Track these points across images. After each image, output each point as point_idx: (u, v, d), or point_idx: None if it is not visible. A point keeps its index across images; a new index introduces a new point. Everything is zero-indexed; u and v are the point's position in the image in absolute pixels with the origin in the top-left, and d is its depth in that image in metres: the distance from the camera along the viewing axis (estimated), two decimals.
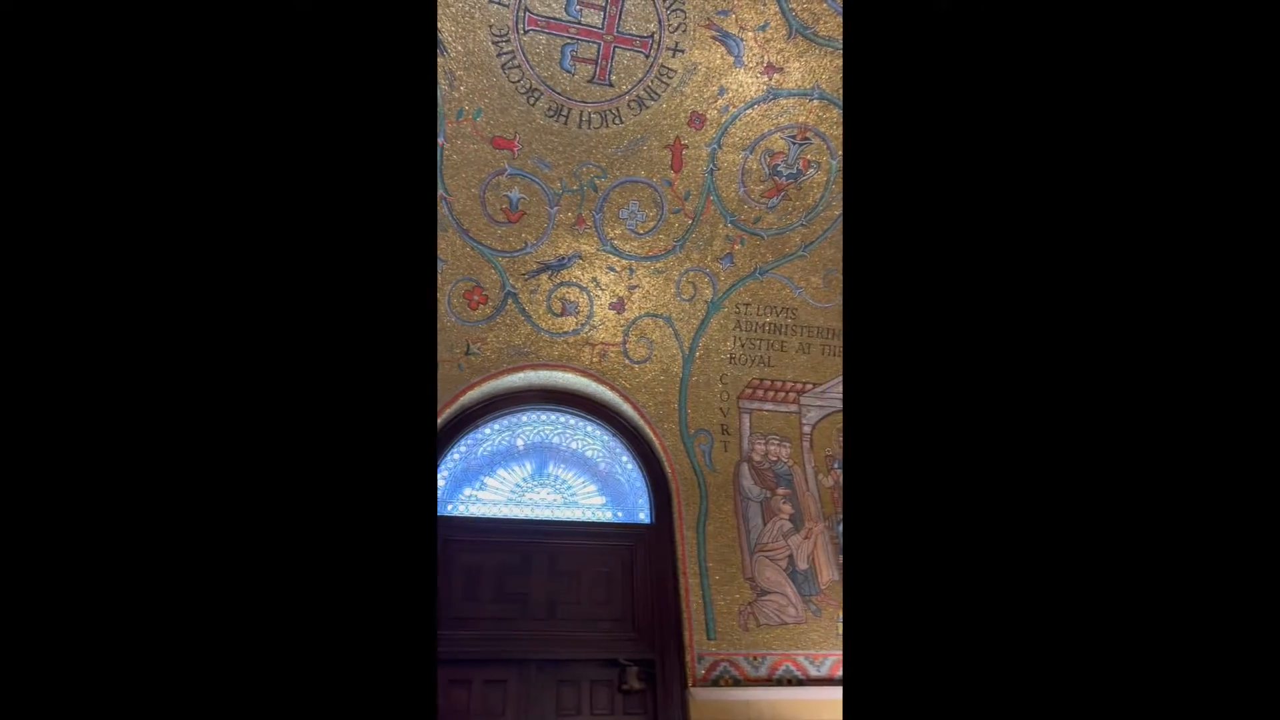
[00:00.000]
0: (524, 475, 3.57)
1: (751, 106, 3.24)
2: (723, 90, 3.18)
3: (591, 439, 3.74)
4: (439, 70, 2.95)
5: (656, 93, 3.16)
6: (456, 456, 3.53)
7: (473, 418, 3.56)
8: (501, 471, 3.56)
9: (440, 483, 3.44)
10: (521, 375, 3.56)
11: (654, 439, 3.61)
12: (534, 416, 3.72)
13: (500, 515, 3.40)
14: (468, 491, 3.46)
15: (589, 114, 3.18)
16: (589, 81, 3.09)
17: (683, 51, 3.04)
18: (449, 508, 3.41)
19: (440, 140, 3.12)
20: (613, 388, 3.62)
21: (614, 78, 3.09)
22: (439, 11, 2.80)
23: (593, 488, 3.61)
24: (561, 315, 3.60)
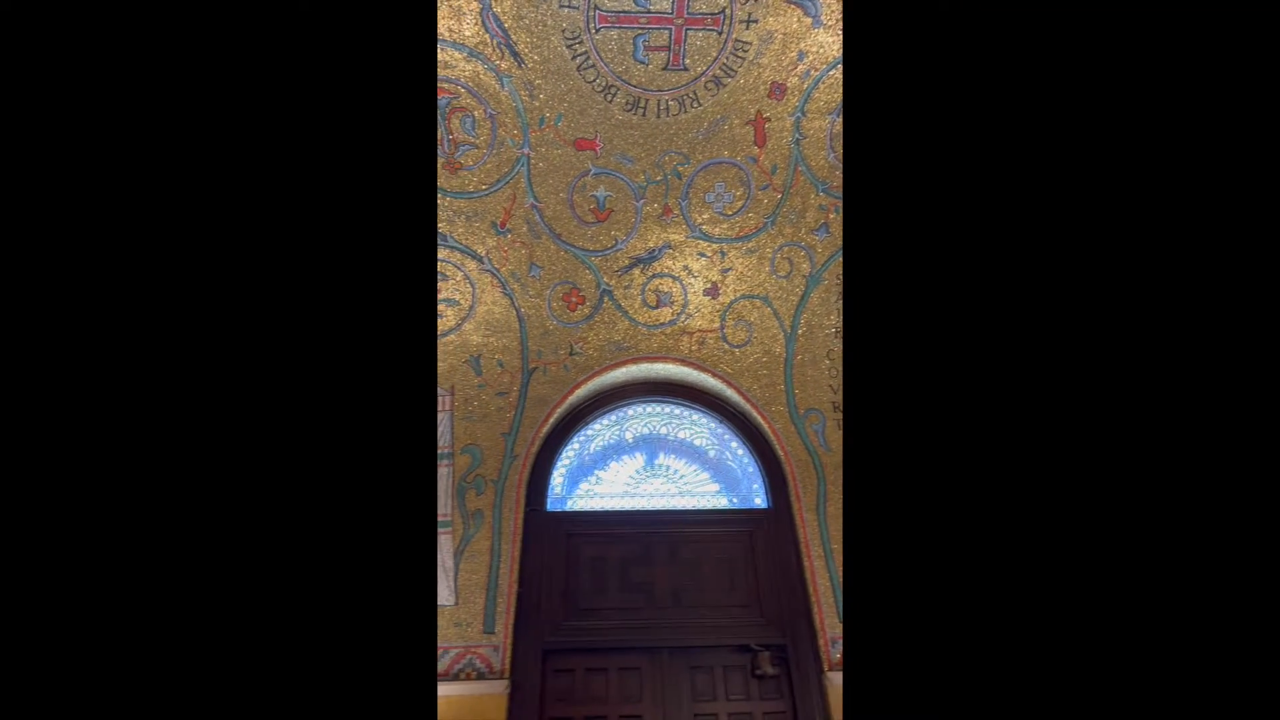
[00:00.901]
0: (636, 467, 3.63)
1: (835, 67, 3.08)
2: (802, 55, 3.04)
3: (699, 427, 3.74)
4: (517, 83, 3.04)
5: (732, 69, 3.08)
6: (570, 454, 3.65)
7: (582, 415, 3.66)
8: (614, 465, 3.64)
9: (558, 480, 3.57)
10: (624, 370, 3.62)
11: (763, 423, 3.54)
12: (640, 409, 3.77)
13: (618, 508, 3.48)
14: (584, 486, 3.57)
15: (666, 102, 3.16)
16: (663, 69, 3.06)
17: (756, 22, 2.93)
18: (568, 503, 3.53)
19: (525, 150, 3.21)
20: (715, 374, 3.60)
21: (688, 61, 3.04)
22: (513, 25, 2.88)
23: (705, 475, 3.61)
24: (657, 307, 3.61)
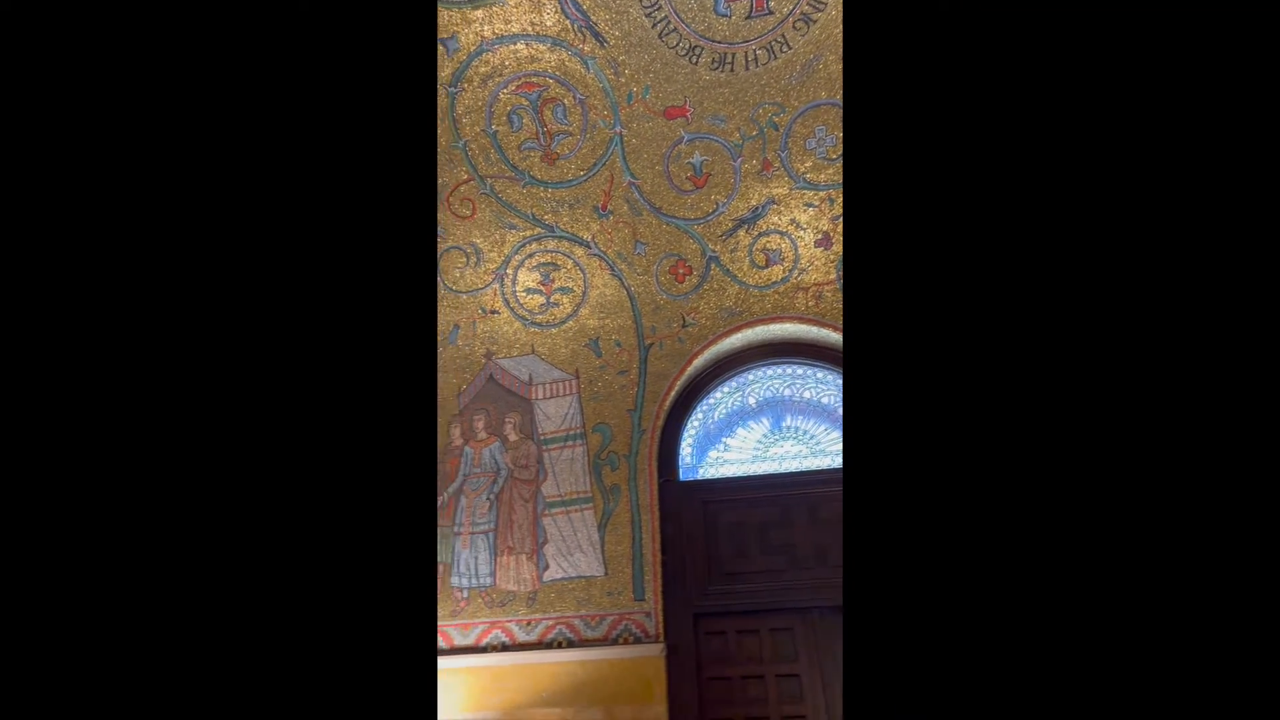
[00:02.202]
0: (763, 431, 3.60)
1: None
2: None
3: (825, 385, 3.63)
4: (602, 63, 3.04)
5: (820, 1, 2.88)
6: (695, 424, 3.69)
7: (702, 385, 3.68)
8: (741, 431, 3.63)
9: (686, 450, 3.62)
10: (740, 335, 3.58)
11: None
12: (760, 373, 3.72)
13: (750, 473, 3.48)
14: (713, 454, 3.60)
15: (754, 52, 3.03)
16: (747, 18, 2.93)
17: None
18: (699, 472, 3.58)
19: (617, 129, 3.23)
20: (836, 328, 3.46)
21: (772, 4, 2.89)
22: (591, 5, 2.88)
23: (835, 434, 3.51)
24: (766, 266, 3.52)
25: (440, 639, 3.18)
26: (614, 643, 3.03)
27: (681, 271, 3.54)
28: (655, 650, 2.95)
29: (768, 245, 3.49)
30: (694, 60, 3.05)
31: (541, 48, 3.03)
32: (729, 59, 3.05)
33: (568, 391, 3.66)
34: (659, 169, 3.34)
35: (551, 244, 3.58)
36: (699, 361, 3.59)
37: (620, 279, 3.58)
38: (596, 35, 2.98)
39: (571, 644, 3.06)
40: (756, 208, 3.43)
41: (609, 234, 3.51)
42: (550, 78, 3.12)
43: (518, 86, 3.14)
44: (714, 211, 3.44)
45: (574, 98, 3.17)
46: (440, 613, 3.25)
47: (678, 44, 3.00)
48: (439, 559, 3.39)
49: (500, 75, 3.11)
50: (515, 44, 3.01)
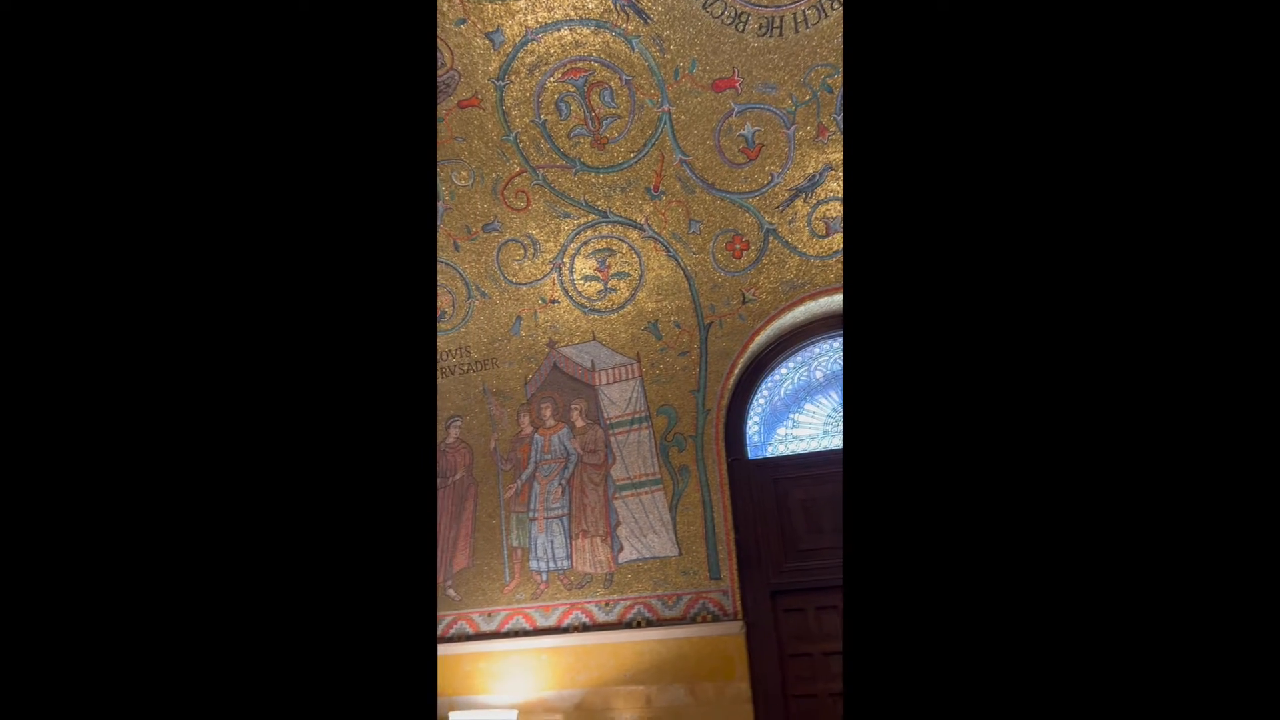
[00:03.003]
0: (832, 406, 3.51)
1: None
2: None
3: None
4: (646, 41, 3.00)
5: None
6: (761, 401, 3.64)
7: (766, 361, 3.62)
8: (809, 406, 3.56)
9: (753, 428, 3.59)
10: (802, 308, 3.49)
11: None
12: (825, 346, 3.62)
13: (819, 449, 3.41)
14: (782, 431, 3.55)
15: (802, 12, 2.91)
16: None
17: None
18: (768, 449, 3.54)
19: (665, 107, 3.18)
20: None
21: None
22: None
23: None
24: (826, 236, 3.41)
25: (523, 620, 3.29)
26: (692, 621, 3.05)
27: (738, 247, 3.47)
28: (735, 628, 2.96)
29: (827, 214, 3.38)
30: (740, 27, 2.96)
31: (585, 31, 3.01)
32: (777, 22, 2.94)
33: (630, 376, 3.68)
34: (710, 144, 3.27)
35: (606, 229, 3.58)
36: (761, 338, 3.53)
37: (676, 259, 3.55)
38: (639, 12, 2.93)
39: (650, 623, 3.10)
40: (813, 175, 3.32)
41: (662, 214, 3.49)
42: (596, 61, 3.10)
43: (564, 73, 3.14)
44: (769, 183, 3.35)
45: (620, 79, 3.14)
46: (521, 596, 3.36)
47: (722, 12, 2.92)
48: (517, 543, 3.50)
49: (546, 64, 3.11)
50: (559, 30, 3.01)
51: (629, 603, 3.19)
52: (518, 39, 3.04)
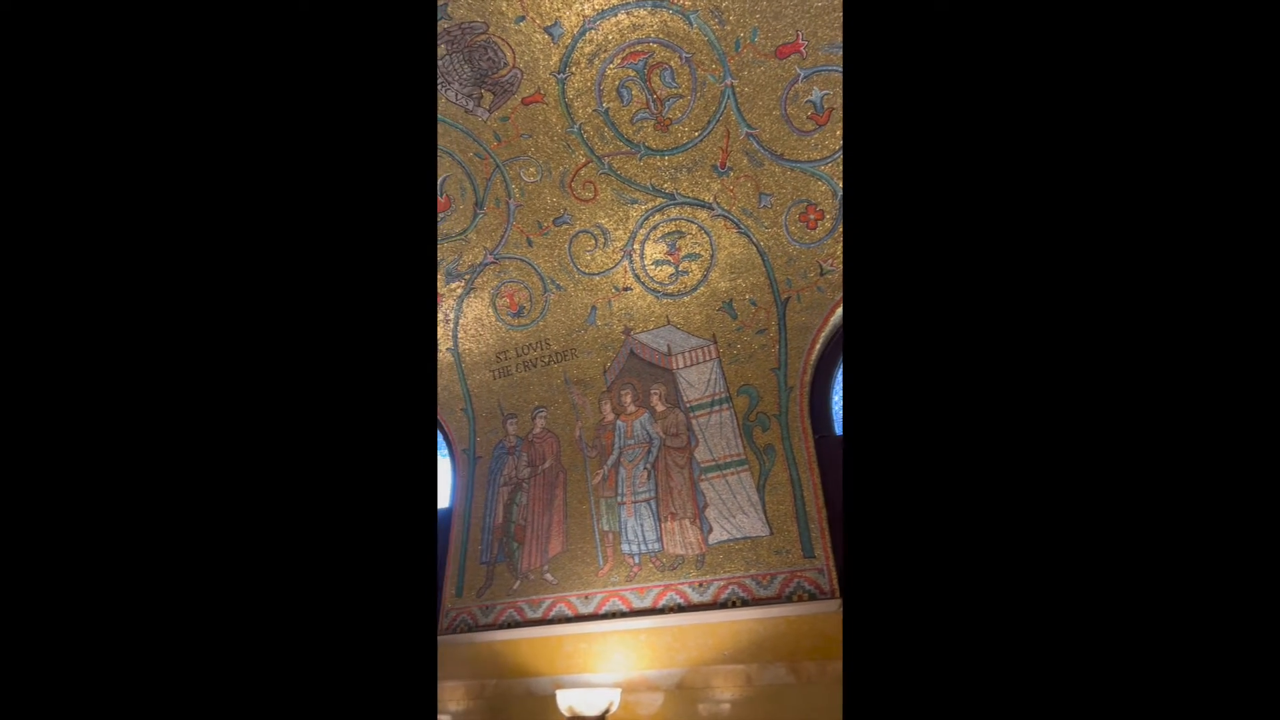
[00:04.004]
0: None
1: None
2: None
3: None
4: (705, 15, 2.93)
5: None
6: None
7: None
8: None
9: (840, 403, 3.48)
10: None
11: None
12: None
13: None
14: None
15: None
16: None
17: None
18: None
19: (727, 81, 3.11)
20: None
21: None
22: None
23: None
24: None
25: (619, 602, 3.37)
26: (789, 600, 3.03)
27: (812, 217, 3.37)
28: (833, 606, 2.91)
29: None
30: None
31: (642, 12, 2.98)
32: None
33: (707, 357, 3.66)
34: (776, 113, 3.18)
35: (674, 212, 3.56)
36: (843, 309, 3.42)
37: (748, 235, 3.49)
38: None
39: (746, 603, 3.10)
40: None
41: (731, 191, 3.42)
42: (655, 42, 3.07)
43: (623, 58, 3.13)
44: (841, 148, 3.22)
45: (680, 58, 3.09)
46: (616, 578, 3.43)
47: None
48: (608, 527, 3.57)
49: (605, 50, 3.11)
50: (616, 15, 3.00)
51: (722, 583, 3.20)
52: (576, 29, 3.05)
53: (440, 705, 3.50)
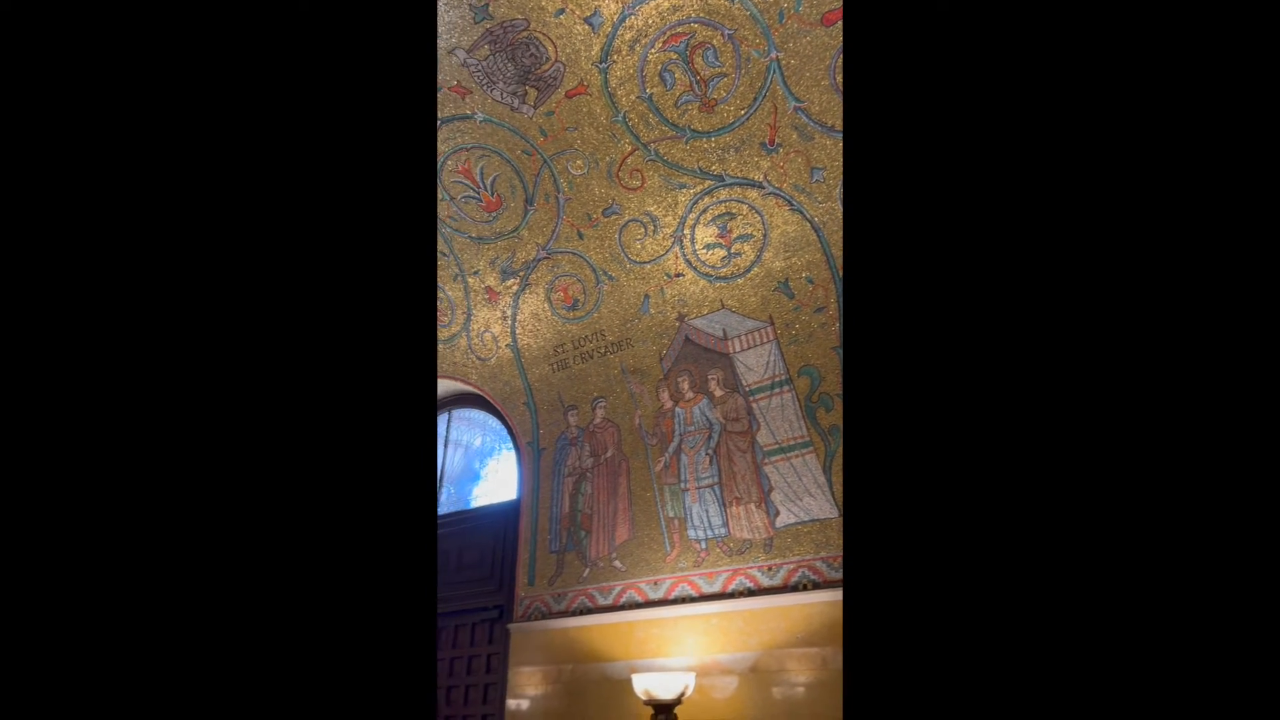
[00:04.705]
0: None
1: None
2: None
3: None
4: None
5: None
6: None
7: None
8: None
9: None
10: None
11: None
12: None
13: None
14: None
15: None
16: None
17: None
18: None
19: (772, 54, 3.03)
20: None
21: None
22: None
23: None
24: None
25: (689, 588, 3.39)
26: None
27: None
28: None
29: None
30: None
31: None
32: None
33: (765, 340, 3.60)
34: (825, 84, 3.08)
35: (723, 194, 3.51)
36: None
37: (801, 212, 3.40)
38: None
39: (817, 586, 3.06)
40: None
41: (781, 168, 3.35)
42: (695, 22, 3.02)
43: (665, 41, 3.10)
44: None
45: (722, 35, 3.03)
46: (684, 564, 3.45)
47: None
48: (672, 514, 3.59)
49: (646, 35, 3.09)
50: None
51: (792, 566, 3.17)
52: (615, 17, 3.04)
53: (518, 690, 3.62)
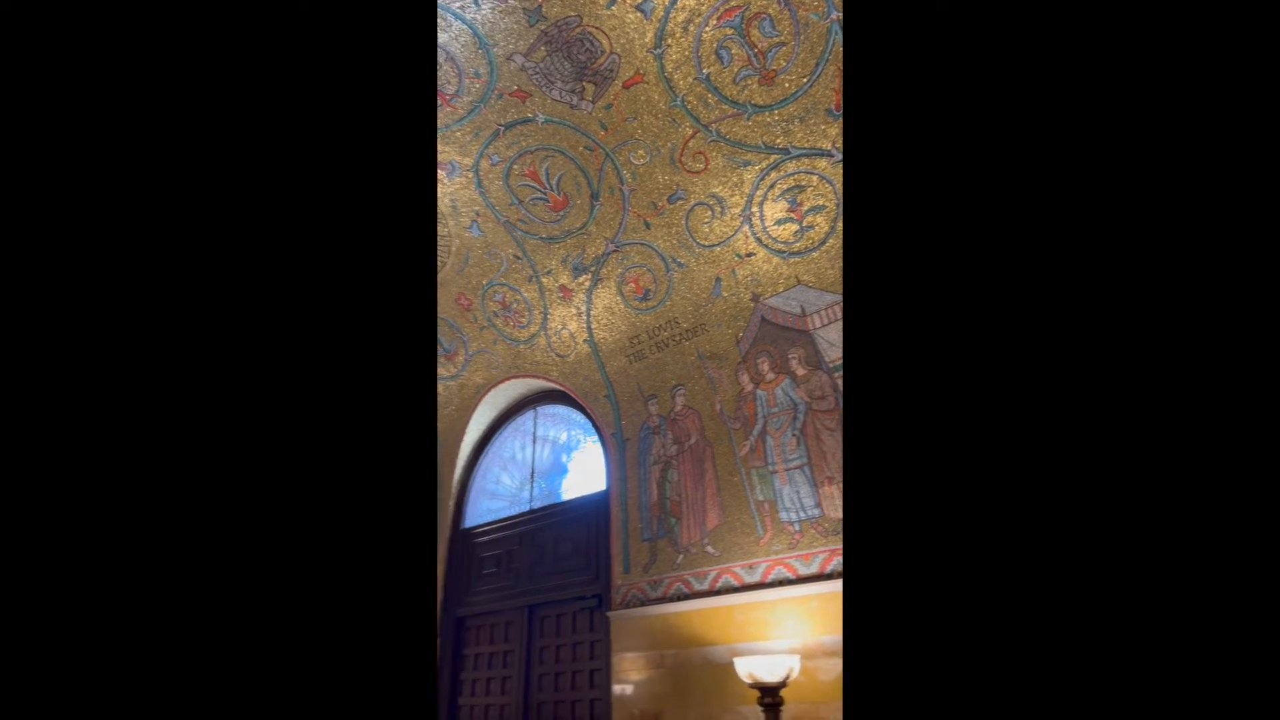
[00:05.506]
0: None
1: None
2: None
3: None
4: None
5: None
6: None
7: None
8: None
9: None
10: None
11: None
12: None
13: None
14: None
15: None
16: None
17: None
18: None
19: (833, 16, 2.90)
20: None
21: None
22: None
23: None
24: None
25: (785, 570, 3.34)
26: None
27: None
28: None
29: None
30: None
31: None
32: None
33: (836, 318, 3.48)
34: None
35: (791, 166, 3.41)
36: None
37: None
38: None
39: None
40: None
41: None
42: None
43: (719, 18, 3.03)
44: None
45: (779, 3, 2.93)
46: (778, 546, 3.41)
47: None
48: (762, 497, 3.55)
49: (699, 14, 3.03)
50: None
51: None
52: (667, 1, 3.00)
53: (622, 675, 3.70)
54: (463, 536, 5.27)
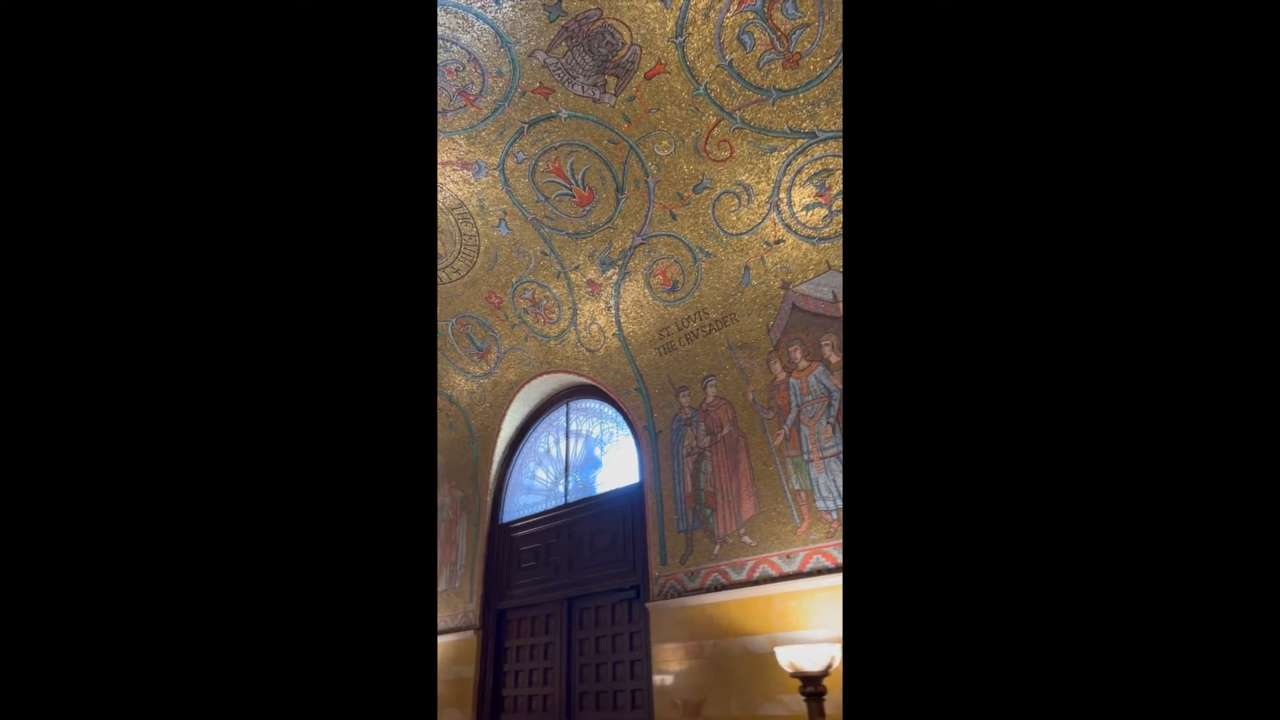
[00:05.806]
0: None
1: None
2: None
3: None
4: None
5: None
6: None
7: None
8: None
9: None
10: None
11: None
12: None
13: None
14: None
15: None
16: None
17: None
18: None
19: None
20: None
21: None
22: None
23: None
24: None
25: (823, 559, 3.31)
26: None
27: None
28: None
29: None
30: None
31: None
32: None
33: None
34: None
35: (818, 150, 3.35)
36: None
37: None
38: None
39: None
40: None
41: None
42: None
43: (740, 3, 2.99)
44: None
45: None
46: (816, 535, 3.38)
47: None
48: (798, 486, 3.52)
49: (720, 0, 3.00)
50: None
51: None
52: None
53: (662, 665, 3.72)
54: (501, 531, 5.35)
